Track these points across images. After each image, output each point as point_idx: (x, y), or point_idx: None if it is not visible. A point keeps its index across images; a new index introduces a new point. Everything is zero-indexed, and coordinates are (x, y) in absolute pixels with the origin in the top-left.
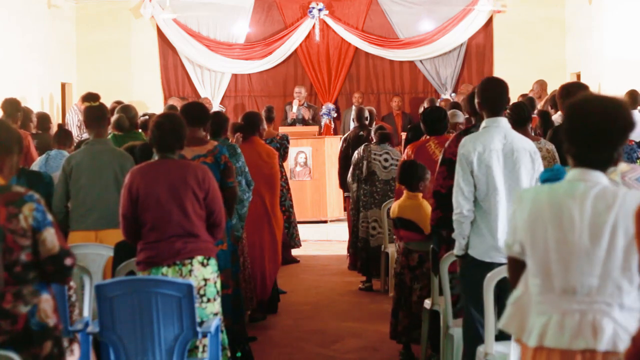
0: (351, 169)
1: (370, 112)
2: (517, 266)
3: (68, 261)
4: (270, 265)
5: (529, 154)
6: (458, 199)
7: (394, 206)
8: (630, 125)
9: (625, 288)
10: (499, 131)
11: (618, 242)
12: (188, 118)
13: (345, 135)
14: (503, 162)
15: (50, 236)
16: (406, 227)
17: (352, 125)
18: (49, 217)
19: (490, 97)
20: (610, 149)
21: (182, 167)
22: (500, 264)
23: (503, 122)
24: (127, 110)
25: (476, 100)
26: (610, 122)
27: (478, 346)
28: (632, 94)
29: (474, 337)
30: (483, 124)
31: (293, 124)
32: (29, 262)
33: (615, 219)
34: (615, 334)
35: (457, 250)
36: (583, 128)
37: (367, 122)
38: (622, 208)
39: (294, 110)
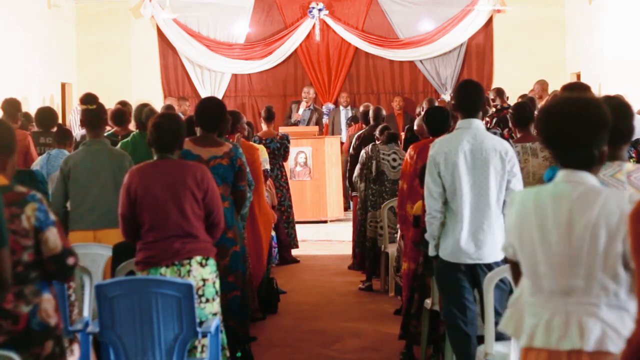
0: (358, 168)
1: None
2: (514, 268)
3: (70, 260)
4: (260, 256)
5: (499, 155)
6: (427, 199)
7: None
8: (602, 122)
9: (611, 288)
10: (470, 132)
11: (600, 242)
12: (204, 123)
13: (359, 132)
14: (471, 162)
15: (53, 236)
16: None
17: (343, 125)
18: (52, 216)
19: (464, 99)
20: (587, 149)
21: (181, 168)
22: (467, 265)
23: (476, 123)
24: (153, 109)
25: (452, 102)
26: (579, 122)
27: (465, 343)
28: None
29: (458, 335)
30: (457, 125)
31: (296, 124)
32: (31, 262)
33: (596, 219)
34: (604, 334)
35: (430, 251)
36: (554, 130)
37: (383, 122)
38: (603, 208)
39: (300, 112)
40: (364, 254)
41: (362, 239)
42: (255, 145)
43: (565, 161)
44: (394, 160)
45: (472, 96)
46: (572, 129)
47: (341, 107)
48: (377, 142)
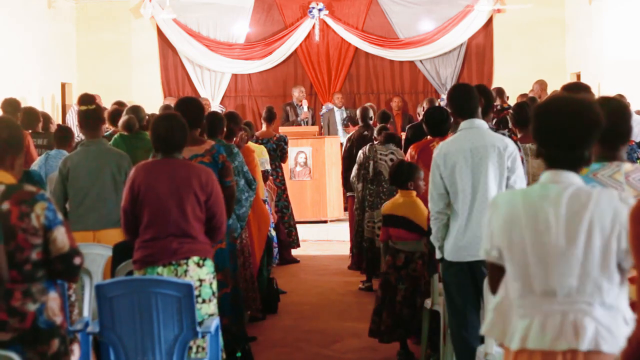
0: (356, 168)
1: (374, 110)
2: (496, 272)
3: (77, 260)
4: (256, 254)
5: (498, 150)
6: (429, 201)
7: (387, 204)
8: (596, 124)
9: (605, 287)
10: (472, 132)
11: (595, 242)
12: (185, 119)
13: (350, 134)
14: (470, 161)
15: (61, 235)
16: (396, 225)
17: (339, 126)
18: (60, 216)
19: (457, 103)
20: (578, 149)
21: (187, 168)
22: (468, 263)
23: (477, 122)
24: (137, 111)
25: (448, 109)
26: (574, 122)
27: (462, 345)
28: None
29: (457, 339)
30: (460, 126)
31: (298, 124)
32: (39, 261)
33: (591, 218)
34: (597, 333)
35: (437, 254)
36: (548, 129)
37: (371, 122)
38: (597, 207)
39: (305, 109)
40: (361, 255)
41: (359, 240)
42: (253, 146)
43: (554, 161)
44: (392, 160)
45: (462, 99)
46: (566, 128)
47: (335, 108)
48: (375, 143)
